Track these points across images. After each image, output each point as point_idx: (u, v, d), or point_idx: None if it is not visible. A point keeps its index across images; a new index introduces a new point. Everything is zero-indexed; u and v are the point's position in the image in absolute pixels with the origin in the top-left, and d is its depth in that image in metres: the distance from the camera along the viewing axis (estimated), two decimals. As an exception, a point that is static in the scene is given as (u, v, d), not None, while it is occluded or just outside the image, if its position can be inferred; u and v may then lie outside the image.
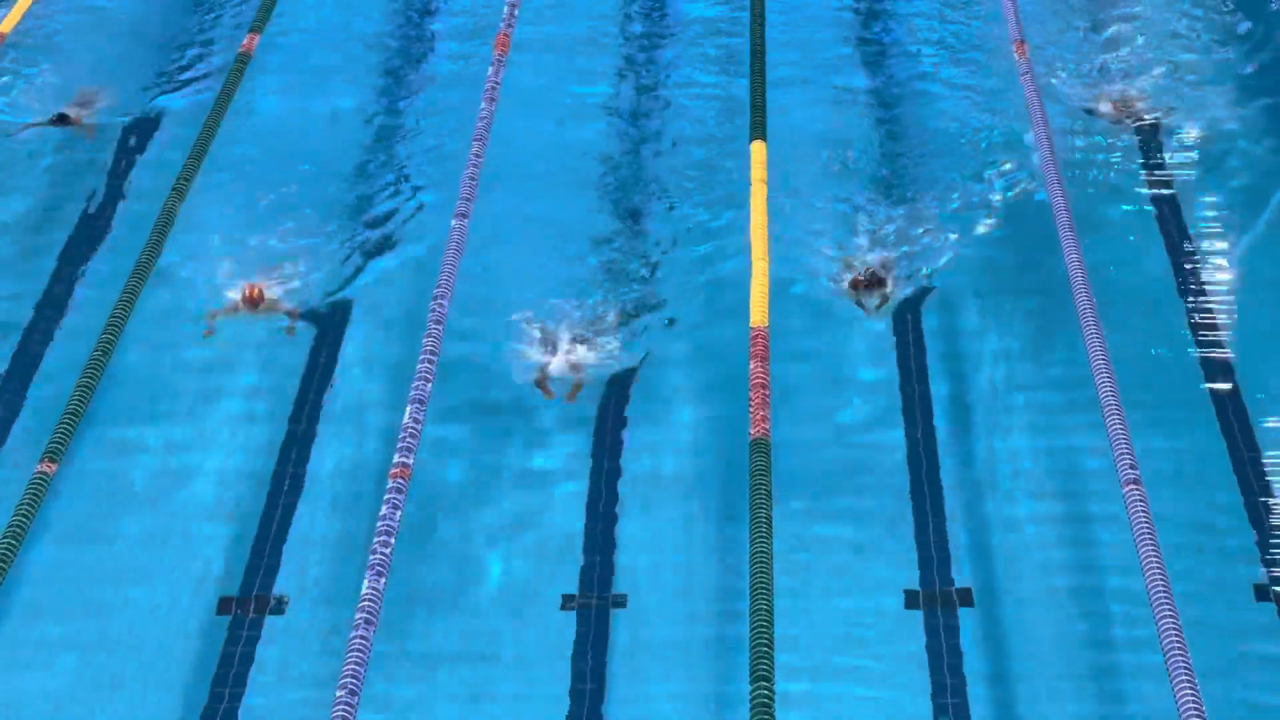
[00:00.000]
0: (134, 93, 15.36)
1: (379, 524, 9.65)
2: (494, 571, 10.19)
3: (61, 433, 10.74)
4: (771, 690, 8.54)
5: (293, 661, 9.62)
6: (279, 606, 9.97)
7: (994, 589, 9.83)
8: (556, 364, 11.72)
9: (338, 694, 8.50)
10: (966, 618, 9.65)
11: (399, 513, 9.81)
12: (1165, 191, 13.41)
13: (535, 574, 10.11)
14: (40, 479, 10.44)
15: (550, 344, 11.91)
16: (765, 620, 9.01)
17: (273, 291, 12.62)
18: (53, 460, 10.54)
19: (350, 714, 8.41)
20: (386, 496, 9.88)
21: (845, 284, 12.36)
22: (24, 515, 10.08)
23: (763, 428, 10.44)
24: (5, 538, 9.79)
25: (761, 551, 9.43)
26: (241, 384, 11.79)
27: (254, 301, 12.55)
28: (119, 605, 10.02)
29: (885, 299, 12.19)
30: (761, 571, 9.28)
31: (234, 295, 12.57)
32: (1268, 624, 9.62)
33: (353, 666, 8.69)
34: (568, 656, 9.54)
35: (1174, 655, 8.52)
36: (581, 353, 11.83)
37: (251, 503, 10.71)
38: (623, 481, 10.79)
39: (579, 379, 11.58)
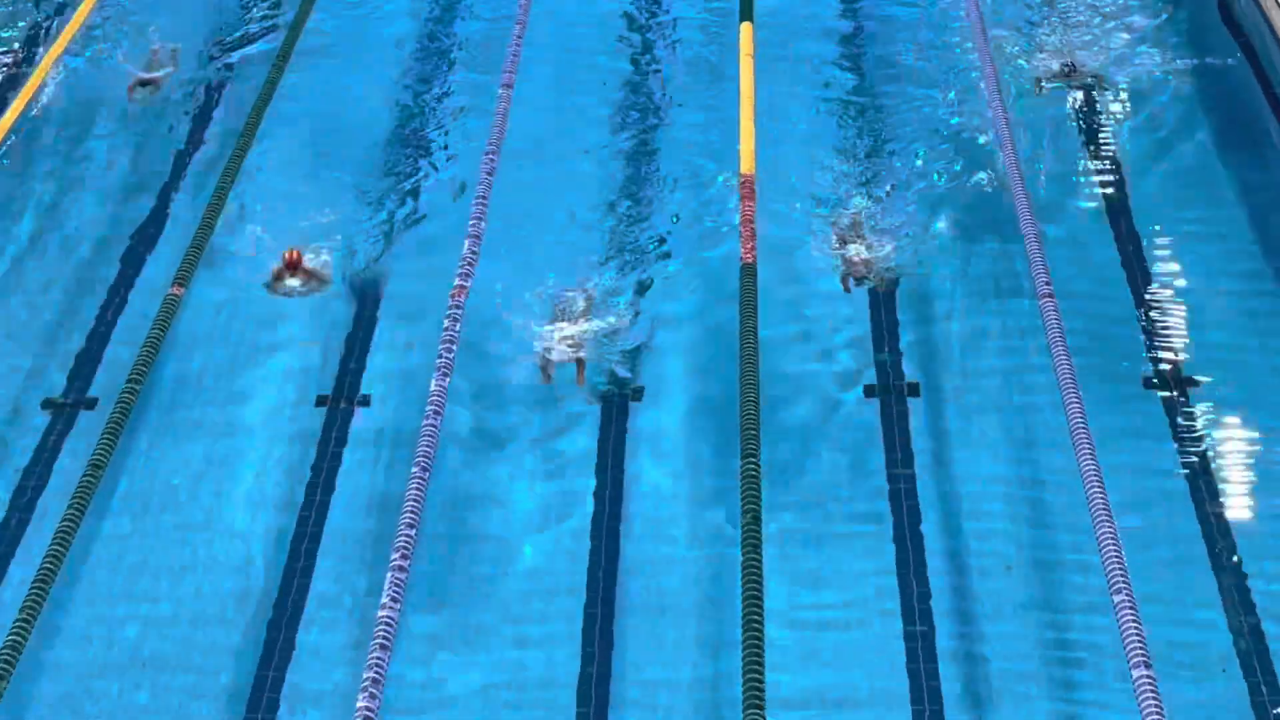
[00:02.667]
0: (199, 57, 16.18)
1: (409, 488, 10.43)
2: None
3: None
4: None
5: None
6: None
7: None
8: (559, 347, 12.16)
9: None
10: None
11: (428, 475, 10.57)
12: (1113, 157, 14.24)
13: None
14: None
15: (557, 322, 12.39)
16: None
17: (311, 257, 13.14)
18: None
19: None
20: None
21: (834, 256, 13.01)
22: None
23: (751, 255, 12.43)
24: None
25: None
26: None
27: (293, 265, 12.99)
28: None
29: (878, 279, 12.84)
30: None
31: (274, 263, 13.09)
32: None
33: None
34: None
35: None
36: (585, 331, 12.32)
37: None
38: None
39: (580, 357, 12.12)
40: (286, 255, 13.07)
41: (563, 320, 12.42)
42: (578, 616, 10.30)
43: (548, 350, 12.20)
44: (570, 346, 12.18)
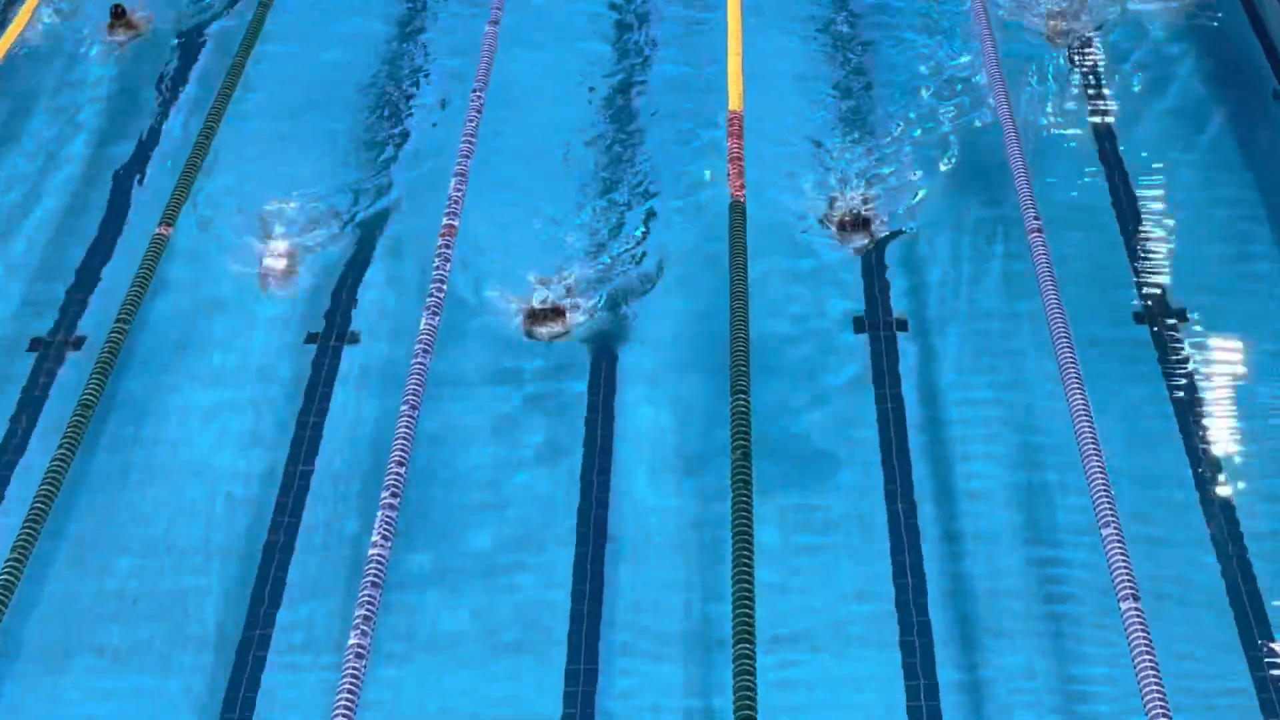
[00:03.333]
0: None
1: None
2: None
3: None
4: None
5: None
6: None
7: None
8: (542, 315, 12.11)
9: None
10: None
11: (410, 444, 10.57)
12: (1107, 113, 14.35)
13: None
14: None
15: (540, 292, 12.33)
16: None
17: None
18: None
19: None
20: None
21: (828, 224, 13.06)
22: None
23: (740, 193, 12.76)
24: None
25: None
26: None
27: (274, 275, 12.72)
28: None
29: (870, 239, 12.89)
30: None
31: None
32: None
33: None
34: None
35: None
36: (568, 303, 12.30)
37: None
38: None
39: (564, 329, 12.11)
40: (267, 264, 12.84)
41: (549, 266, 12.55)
42: (569, 554, 10.43)
43: (541, 283, 12.32)
44: (563, 288, 12.32)
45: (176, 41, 15.73)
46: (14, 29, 15.42)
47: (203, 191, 13.46)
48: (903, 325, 12.16)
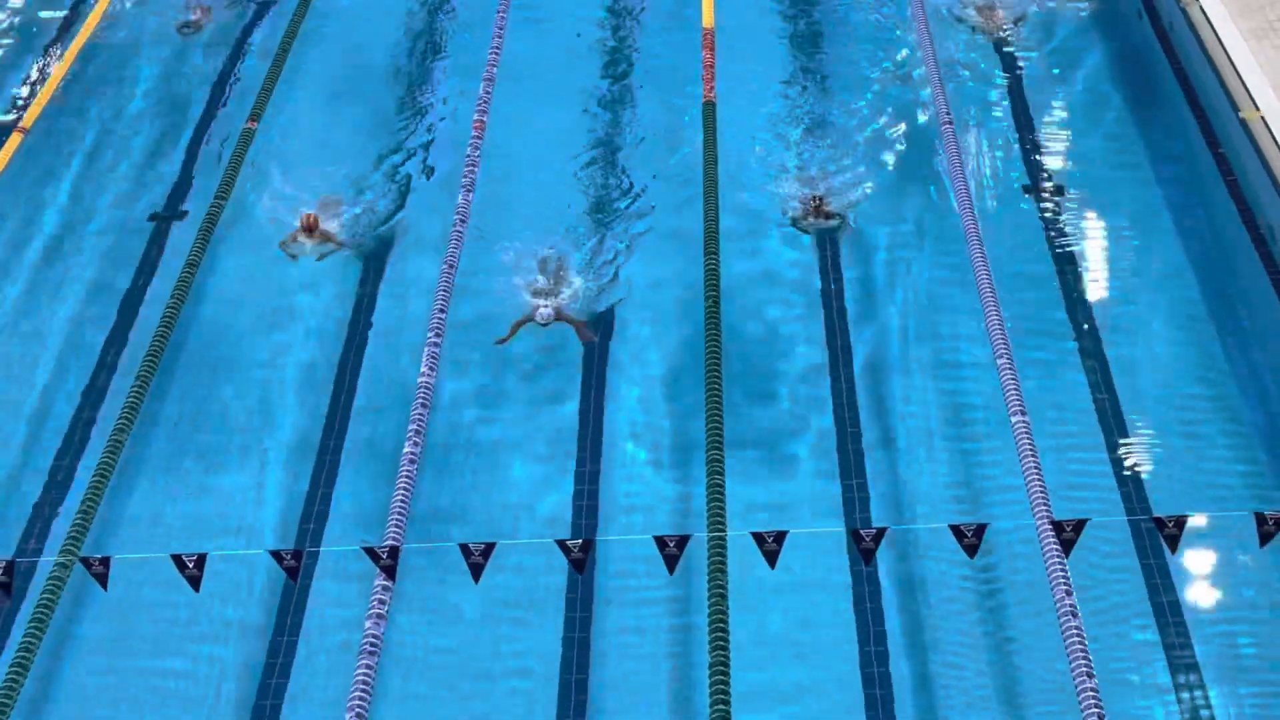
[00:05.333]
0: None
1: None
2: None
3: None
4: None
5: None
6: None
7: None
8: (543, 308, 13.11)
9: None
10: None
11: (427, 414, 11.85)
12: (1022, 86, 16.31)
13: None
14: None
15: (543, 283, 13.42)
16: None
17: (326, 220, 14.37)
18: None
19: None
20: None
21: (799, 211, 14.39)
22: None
23: (711, 95, 14.97)
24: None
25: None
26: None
27: (309, 229, 14.12)
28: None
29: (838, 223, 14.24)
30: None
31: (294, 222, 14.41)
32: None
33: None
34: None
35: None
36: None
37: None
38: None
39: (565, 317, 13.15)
40: (304, 218, 14.22)
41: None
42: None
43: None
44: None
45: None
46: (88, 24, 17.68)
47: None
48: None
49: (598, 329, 13.21)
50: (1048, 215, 14.45)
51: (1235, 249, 13.87)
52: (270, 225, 14.66)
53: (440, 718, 10.41)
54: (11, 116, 16.22)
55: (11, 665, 9.87)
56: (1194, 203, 14.63)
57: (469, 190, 14.25)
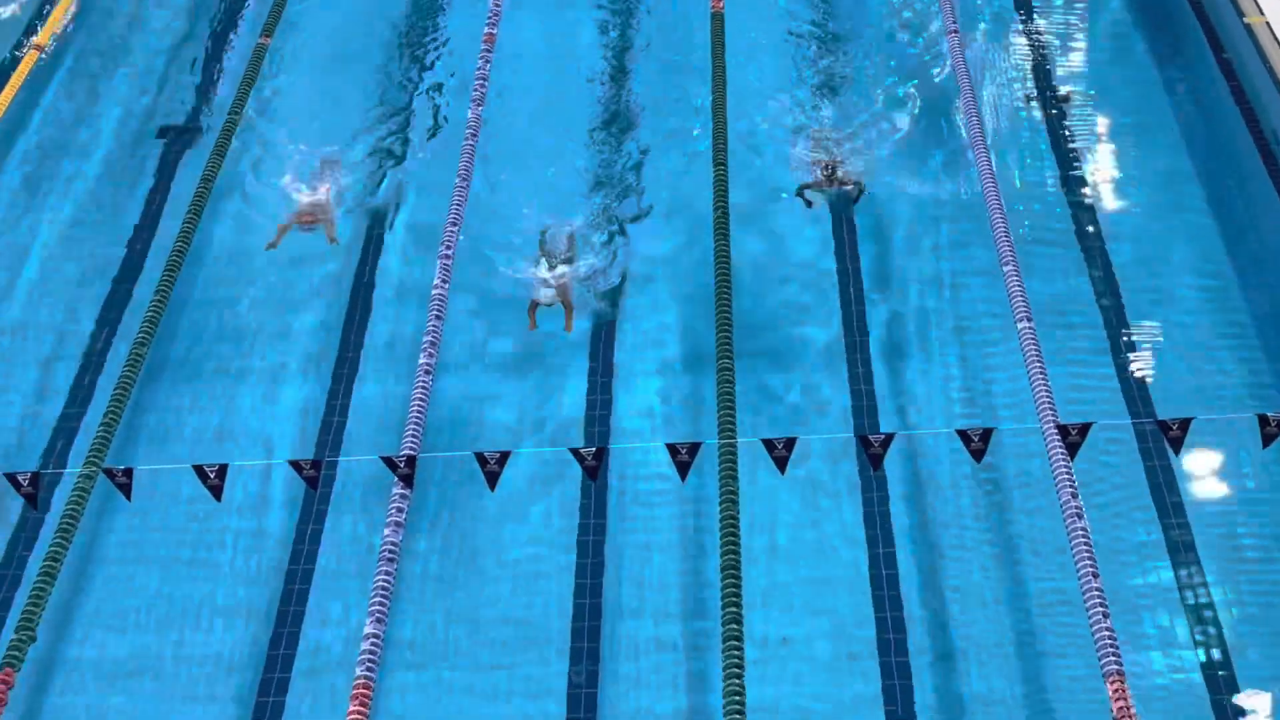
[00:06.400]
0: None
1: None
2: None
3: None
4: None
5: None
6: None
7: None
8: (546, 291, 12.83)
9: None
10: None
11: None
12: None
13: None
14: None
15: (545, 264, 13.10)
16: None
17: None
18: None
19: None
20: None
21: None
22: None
23: (720, 6, 15.01)
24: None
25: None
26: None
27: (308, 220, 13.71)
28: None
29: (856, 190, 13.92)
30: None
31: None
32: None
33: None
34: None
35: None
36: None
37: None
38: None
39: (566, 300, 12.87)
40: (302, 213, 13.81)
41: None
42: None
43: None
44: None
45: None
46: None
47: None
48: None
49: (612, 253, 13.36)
50: (1052, 123, 14.53)
51: (1240, 155, 13.94)
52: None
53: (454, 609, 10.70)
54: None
55: (40, 574, 10.11)
56: (1198, 109, 14.71)
57: (482, 82, 14.39)
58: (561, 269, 12.93)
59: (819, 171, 13.89)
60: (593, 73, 15.81)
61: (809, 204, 13.69)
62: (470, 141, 13.89)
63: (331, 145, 14.74)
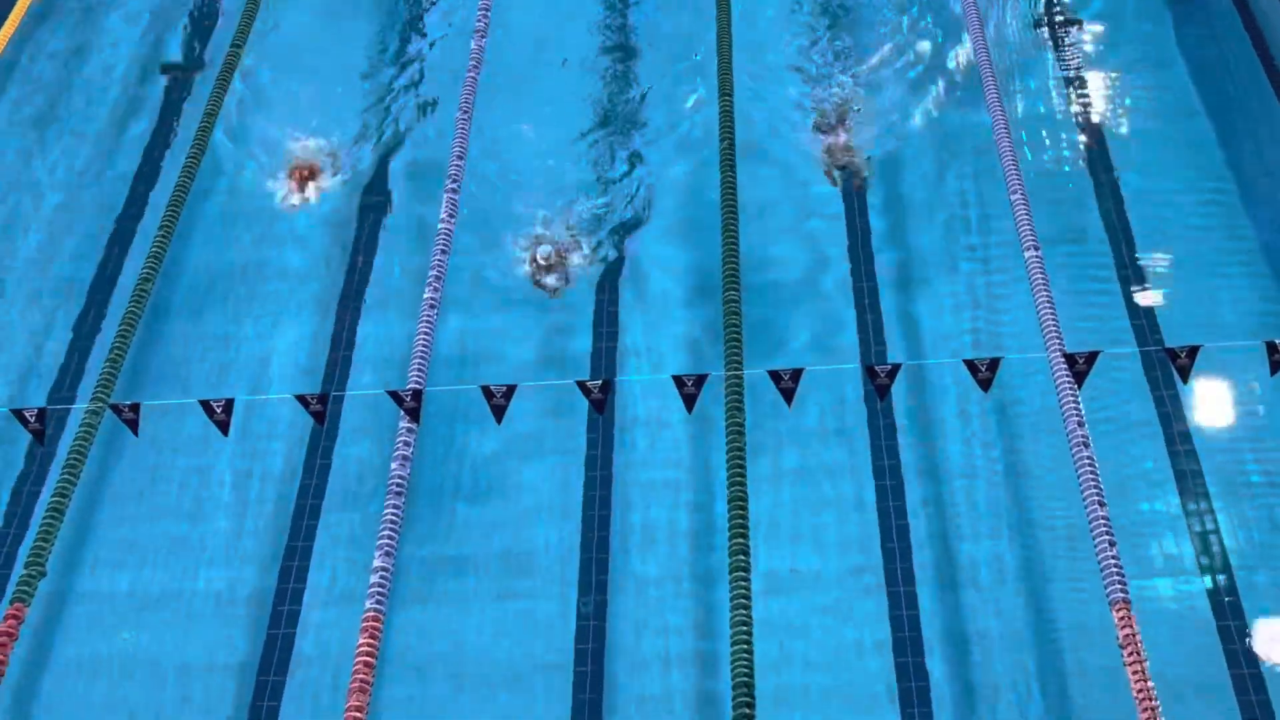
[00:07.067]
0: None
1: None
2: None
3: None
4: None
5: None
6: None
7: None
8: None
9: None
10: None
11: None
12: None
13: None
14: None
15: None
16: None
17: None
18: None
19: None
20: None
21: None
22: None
23: None
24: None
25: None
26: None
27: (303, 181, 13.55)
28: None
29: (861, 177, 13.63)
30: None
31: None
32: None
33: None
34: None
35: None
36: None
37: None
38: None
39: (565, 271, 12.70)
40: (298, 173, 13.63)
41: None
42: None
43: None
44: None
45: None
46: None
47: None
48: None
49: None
50: (1059, 50, 14.45)
51: (1249, 83, 13.85)
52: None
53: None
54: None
55: (48, 510, 10.15)
56: (1207, 36, 14.55)
57: (485, 12, 14.32)
58: (563, 233, 12.97)
59: (827, 107, 13.83)
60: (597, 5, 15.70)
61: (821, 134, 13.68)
62: (472, 74, 13.73)
63: (335, 82, 14.64)
